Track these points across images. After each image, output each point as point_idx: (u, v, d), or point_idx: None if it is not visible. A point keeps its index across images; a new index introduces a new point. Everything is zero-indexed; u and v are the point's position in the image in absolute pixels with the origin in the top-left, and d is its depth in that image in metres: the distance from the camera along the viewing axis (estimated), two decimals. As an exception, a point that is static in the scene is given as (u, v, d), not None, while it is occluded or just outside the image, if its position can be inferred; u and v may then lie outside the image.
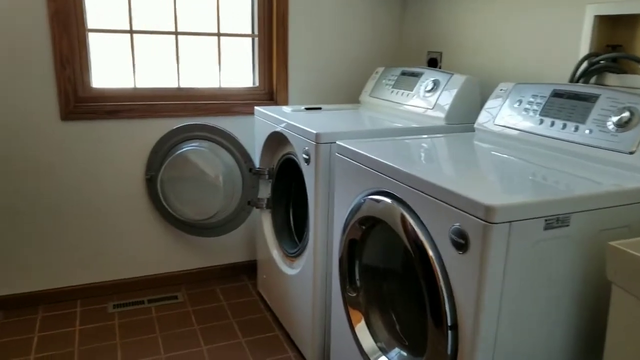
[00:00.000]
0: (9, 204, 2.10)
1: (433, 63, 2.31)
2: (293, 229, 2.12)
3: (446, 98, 1.87)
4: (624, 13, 1.51)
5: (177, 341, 2.04)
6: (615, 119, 1.29)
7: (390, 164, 1.28)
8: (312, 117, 1.91)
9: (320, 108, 2.15)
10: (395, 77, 2.16)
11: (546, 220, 1.04)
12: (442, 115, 1.85)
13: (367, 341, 1.49)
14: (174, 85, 2.29)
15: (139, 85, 2.23)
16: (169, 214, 2.25)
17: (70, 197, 2.19)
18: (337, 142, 1.51)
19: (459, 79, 1.87)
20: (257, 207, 2.22)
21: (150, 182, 2.26)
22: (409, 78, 2.09)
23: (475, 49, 2.09)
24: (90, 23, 2.10)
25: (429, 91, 1.94)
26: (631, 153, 1.24)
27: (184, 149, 2.15)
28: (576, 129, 1.37)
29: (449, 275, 1.11)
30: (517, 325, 1.08)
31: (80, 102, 2.11)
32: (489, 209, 0.98)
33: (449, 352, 1.12)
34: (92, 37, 2.11)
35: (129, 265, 2.37)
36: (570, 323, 1.15)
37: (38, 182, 2.12)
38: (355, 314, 1.54)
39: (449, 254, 1.10)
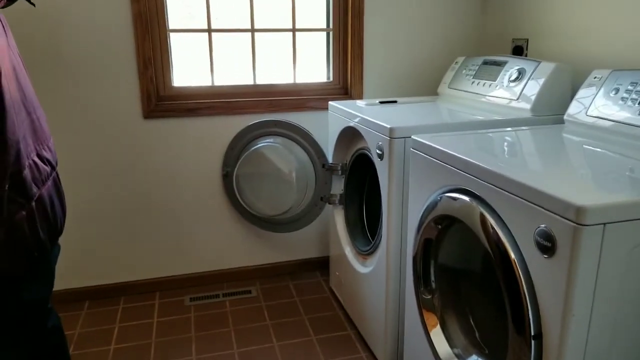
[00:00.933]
0: (94, 199, 2.26)
1: (518, 51, 2.19)
2: (366, 226, 2.11)
3: (533, 88, 1.76)
4: None
5: (249, 336, 2.10)
6: None
7: (469, 160, 1.23)
8: (387, 111, 1.88)
9: (395, 101, 2.10)
10: (477, 67, 2.07)
11: (647, 222, 0.94)
12: (528, 106, 1.75)
13: (443, 346, 1.44)
14: (250, 82, 2.35)
15: (217, 83, 2.31)
16: (244, 209, 2.32)
17: (150, 193, 2.31)
18: (412, 137, 1.47)
19: (547, 67, 1.75)
20: (329, 203, 2.23)
21: (227, 178, 2.34)
22: (491, 67, 1.99)
23: (566, 34, 1.95)
24: (172, 23, 2.20)
25: (514, 81, 1.84)
26: None
27: (258, 145, 2.21)
28: (686, 120, 1.24)
29: (533, 281, 1.04)
30: (607, 336, 1.00)
31: (162, 100, 2.22)
32: (579, 210, 0.91)
33: (532, 362, 1.06)
34: (173, 37, 2.22)
35: (206, 259, 2.47)
36: (676, 338, 1.05)
37: (120, 179, 2.26)
38: (430, 317, 1.50)
39: (534, 257, 1.03)
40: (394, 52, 2.40)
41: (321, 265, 2.61)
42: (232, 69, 2.34)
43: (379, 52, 2.38)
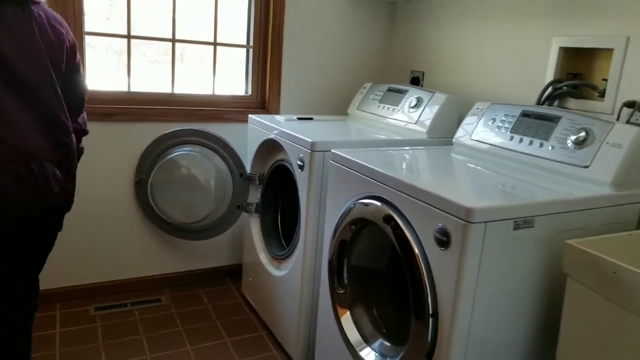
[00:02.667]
0: None
1: (415, 81, 2.58)
2: (281, 233, 2.32)
3: (428, 114, 2.12)
4: (584, 46, 1.81)
5: (162, 342, 2.19)
6: (573, 137, 1.57)
7: (381, 171, 1.51)
8: (305, 127, 2.13)
9: (311, 118, 2.37)
10: (382, 93, 2.41)
11: (515, 221, 1.28)
12: (424, 129, 2.11)
13: (353, 333, 1.70)
14: (168, 90, 2.47)
15: (133, 89, 2.40)
16: (157, 216, 2.41)
17: (61, 196, 2.32)
18: (332, 150, 1.73)
19: (440, 97, 2.13)
20: (246, 212, 2.41)
21: (139, 185, 2.42)
22: (394, 94, 2.34)
23: (454, 70, 2.36)
24: (88, 26, 2.26)
25: (413, 107, 2.20)
26: (586, 167, 1.51)
27: (175, 153, 2.33)
28: (541, 145, 1.64)
29: (432, 269, 1.33)
30: (488, 313, 1.32)
31: (76, 104, 2.26)
32: (469, 211, 1.22)
33: (429, 339, 1.35)
34: (89, 40, 2.28)
35: (112, 267, 2.51)
36: (533, 313, 1.40)
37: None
38: (342, 310, 1.75)
39: (432, 250, 1.32)
40: (309, 73, 2.67)
41: (231, 272, 2.77)
42: (151, 76, 2.45)
43: (296, 72, 2.64)
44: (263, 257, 2.31)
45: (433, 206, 1.31)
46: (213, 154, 2.40)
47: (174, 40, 2.43)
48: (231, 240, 2.73)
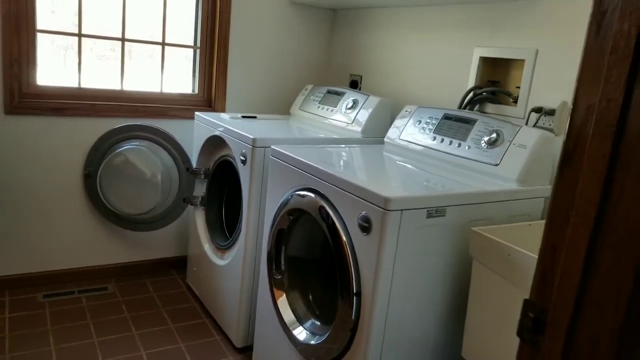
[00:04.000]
0: (-57, 191, 2.20)
1: (354, 84, 2.72)
2: (224, 225, 2.41)
3: (363, 115, 2.26)
4: (501, 57, 1.99)
5: (108, 327, 2.24)
6: (486, 138, 1.74)
7: (315, 165, 1.63)
8: (248, 124, 2.23)
9: (255, 117, 2.47)
10: (322, 95, 2.54)
11: (428, 210, 1.43)
12: (359, 129, 2.24)
13: (288, 314, 1.81)
14: (117, 87, 2.51)
15: (83, 85, 2.42)
16: (105, 208, 2.45)
17: (8, 188, 2.32)
18: (272, 147, 1.83)
19: (374, 100, 2.28)
20: (191, 205, 2.48)
21: (89, 177, 2.45)
22: (333, 96, 2.47)
23: (388, 74, 2.52)
24: (40, 23, 2.27)
25: (349, 108, 2.33)
26: (496, 165, 1.68)
27: (124, 147, 2.38)
28: (459, 145, 1.80)
29: (356, 253, 1.46)
30: (405, 292, 1.46)
31: (25, 98, 2.27)
32: (387, 200, 1.35)
33: (352, 317, 1.47)
34: (40, 37, 2.29)
35: (61, 257, 2.53)
36: (446, 291, 1.56)
37: (-26, 172, 2.24)
38: (279, 293, 1.86)
39: (357, 235, 1.45)
40: (254, 74, 2.77)
41: (177, 264, 2.83)
42: (100, 73, 2.48)
43: (241, 72, 2.72)
44: (207, 248, 2.39)
45: (358, 196, 1.44)
46: (160, 148, 2.46)
47: (123, 40, 2.47)
48: (177, 232, 2.78)
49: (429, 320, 1.56)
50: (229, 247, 2.24)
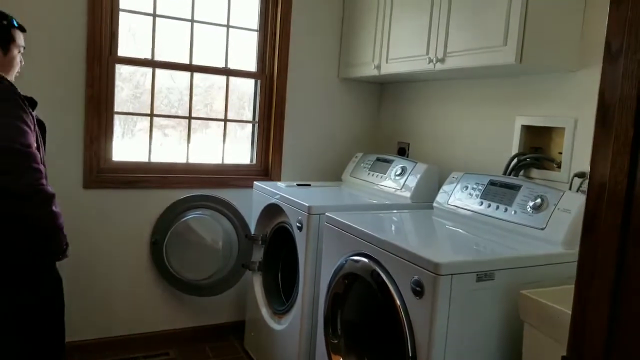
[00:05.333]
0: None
1: (402, 152, 2.90)
2: (281, 290, 2.55)
3: (412, 181, 2.41)
4: (542, 125, 2.12)
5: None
6: (531, 203, 1.84)
7: (367, 231, 1.78)
8: (303, 192, 2.42)
9: (309, 184, 2.66)
10: (372, 162, 2.72)
11: (477, 274, 1.53)
12: (408, 194, 2.39)
13: (346, 378, 1.90)
14: (183, 160, 2.79)
15: (153, 160, 2.72)
16: (169, 274, 2.66)
17: (80, 256, 2.58)
18: (326, 214, 2.00)
19: (421, 167, 2.43)
20: (250, 270, 2.66)
21: (155, 245, 2.68)
22: (382, 163, 2.64)
23: (435, 142, 2.68)
24: (117, 105, 2.61)
25: (398, 175, 2.49)
26: (542, 229, 1.77)
27: (189, 216, 2.61)
28: (505, 210, 1.91)
29: (410, 316, 1.57)
30: (458, 355, 1.54)
31: (101, 172, 2.57)
32: (437, 265, 1.47)
33: (409, 379, 1.56)
34: (116, 117, 2.62)
35: (124, 323, 2.72)
36: (498, 355, 1.62)
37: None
38: (336, 358, 1.96)
39: (410, 299, 1.56)
40: (307, 145, 3.01)
41: (235, 329, 2.96)
42: (168, 147, 2.77)
43: (295, 143, 2.97)
44: (264, 312, 2.53)
45: (409, 261, 1.57)
46: (222, 216, 2.68)
47: (190, 118, 2.77)
48: (235, 298, 2.95)
49: (484, 382, 1.61)
50: (286, 312, 2.37)
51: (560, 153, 2.05)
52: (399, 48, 2.47)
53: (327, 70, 3.03)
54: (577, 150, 1.98)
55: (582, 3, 1.96)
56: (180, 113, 2.79)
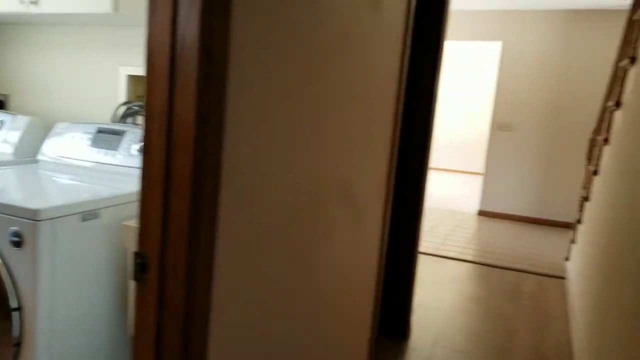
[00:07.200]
0: None
1: (1, 105, 2.63)
2: None
3: (14, 136, 2.25)
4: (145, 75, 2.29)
5: None
6: (136, 146, 2.00)
7: (-48, 189, 1.60)
8: None
9: None
10: (-39, 117, 2.39)
11: (83, 215, 1.60)
12: (11, 150, 2.22)
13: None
14: None
15: None
16: None
17: None
18: None
19: (24, 120, 2.29)
20: None
21: None
22: (-26, 118, 2.36)
23: (39, 93, 2.55)
24: None
25: (-3, 130, 2.28)
26: (146, 169, 1.96)
27: None
28: (113, 155, 2.02)
29: (12, 269, 1.52)
30: (70, 296, 1.60)
31: None
32: (36, 212, 1.47)
33: (15, 333, 1.53)
34: None
35: None
36: (111, 288, 1.75)
37: None
38: None
39: (10, 252, 1.51)
40: None
41: None
42: None
43: None
44: None
45: (6, 214, 1.51)
46: None
47: None
48: None
49: (99, 317, 1.72)
50: None
51: (162, 100, 2.26)
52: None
53: None
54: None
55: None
56: None
